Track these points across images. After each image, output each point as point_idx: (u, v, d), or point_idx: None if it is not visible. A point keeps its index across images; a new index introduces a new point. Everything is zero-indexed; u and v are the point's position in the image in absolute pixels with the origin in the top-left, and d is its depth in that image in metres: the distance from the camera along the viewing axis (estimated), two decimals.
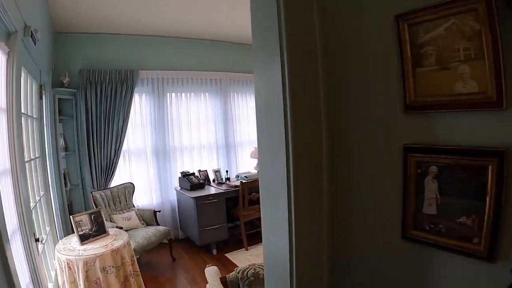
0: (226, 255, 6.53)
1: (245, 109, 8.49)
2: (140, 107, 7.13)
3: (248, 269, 2.79)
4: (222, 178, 7.59)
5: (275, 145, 1.78)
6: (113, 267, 4.28)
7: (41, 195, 4.61)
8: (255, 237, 6.78)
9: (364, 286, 1.87)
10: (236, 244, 6.93)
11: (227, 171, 7.81)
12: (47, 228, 4.80)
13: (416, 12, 1.47)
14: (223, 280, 2.81)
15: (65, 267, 4.17)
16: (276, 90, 1.73)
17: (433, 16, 1.43)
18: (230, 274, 2.85)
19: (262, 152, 1.94)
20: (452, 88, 1.40)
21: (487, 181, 1.34)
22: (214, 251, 6.65)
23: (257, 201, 6.31)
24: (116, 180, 6.81)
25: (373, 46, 1.68)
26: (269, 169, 1.89)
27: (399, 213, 1.64)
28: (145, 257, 6.28)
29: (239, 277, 2.76)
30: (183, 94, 7.57)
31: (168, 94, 7.34)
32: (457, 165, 1.43)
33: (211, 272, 3.02)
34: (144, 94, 7.14)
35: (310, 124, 1.81)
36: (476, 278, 1.44)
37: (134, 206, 6.58)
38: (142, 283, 4.80)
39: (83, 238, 4.51)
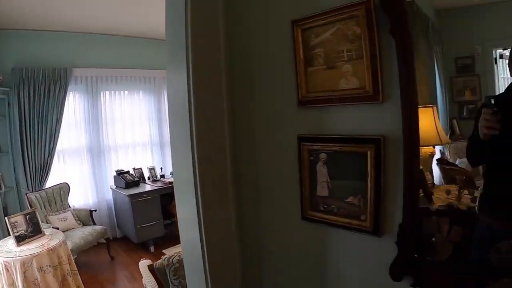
0: (163, 251, 6.55)
1: None
2: (74, 105, 7.01)
3: (173, 256, 2.93)
4: (156, 175, 7.63)
5: (183, 142, 1.90)
6: (50, 266, 4.27)
7: None
8: None
9: (274, 265, 2.05)
10: (173, 240, 6.93)
11: (161, 168, 7.84)
12: None
13: (308, 18, 1.66)
14: (150, 268, 2.93)
15: (3, 270, 4.12)
16: (181, 90, 1.85)
17: (322, 22, 1.62)
18: (157, 262, 2.98)
19: (173, 149, 2.06)
20: (337, 85, 1.60)
21: (367, 165, 1.54)
22: (152, 248, 6.69)
23: None
24: (51, 181, 6.68)
25: (274, 48, 1.85)
26: (179, 165, 2.02)
27: (298, 197, 1.83)
28: (83, 257, 6.25)
29: (165, 264, 2.90)
30: (117, 92, 7.53)
31: (102, 92, 7.26)
32: (343, 152, 1.63)
33: (144, 265, 3.13)
34: (77, 93, 7.01)
35: (214, 121, 1.94)
36: (367, 250, 1.65)
37: (70, 207, 6.50)
38: (81, 281, 4.79)
39: (19, 239, 4.46)
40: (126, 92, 7.64)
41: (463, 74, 1.70)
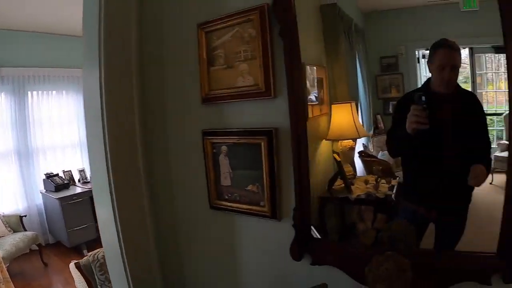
0: None
1: None
2: (0, 106, 6.86)
3: (98, 252, 3.04)
4: (87, 177, 7.46)
5: (97, 143, 2.03)
6: None
7: None
8: None
9: (191, 255, 2.24)
10: None
11: None
12: None
13: (211, 22, 1.86)
14: (77, 265, 3.03)
15: None
16: (95, 89, 1.98)
17: (223, 25, 1.83)
18: (83, 259, 3.07)
19: (89, 151, 2.19)
20: (235, 82, 1.81)
21: (262, 155, 1.76)
22: (85, 252, 6.53)
23: None
24: None
25: (182, 49, 2.03)
26: (95, 167, 2.16)
27: (205, 187, 2.02)
28: (16, 266, 6.13)
29: (90, 261, 3.00)
30: (44, 93, 7.34)
31: (29, 92, 7.03)
32: (241, 144, 1.84)
33: (73, 265, 3.22)
34: (4, 93, 6.81)
35: (125, 120, 2.09)
36: (269, 233, 1.88)
37: None
38: None
39: None
40: (54, 92, 7.45)
41: (387, 72, 1.90)
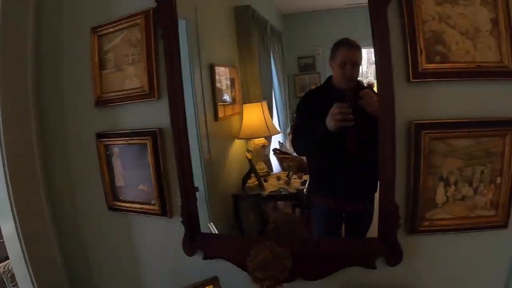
0: None
1: None
2: None
3: (9, 262, 3.05)
4: None
5: None
6: None
7: None
8: None
9: (95, 257, 2.31)
10: None
11: None
12: None
13: (103, 26, 1.96)
14: None
15: None
16: None
17: (113, 29, 1.93)
18: None
19: None
20: (123, 85, 1.92)
21: (148, 155, 1.87)
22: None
23: None
24: None
25: (77, 53, 2.09)
26: None
27: (102, 189, 2.11)
28: None
29: (1, 272, 3.01)
30: None
31: None
32: (130, 145, 1.95)
33: None
34: None
35: (21, 128, 2.11)
36: (162, 230, 2.00)
37: None
38: None
39: None
40: None
41: (305, 72, 2.04)
